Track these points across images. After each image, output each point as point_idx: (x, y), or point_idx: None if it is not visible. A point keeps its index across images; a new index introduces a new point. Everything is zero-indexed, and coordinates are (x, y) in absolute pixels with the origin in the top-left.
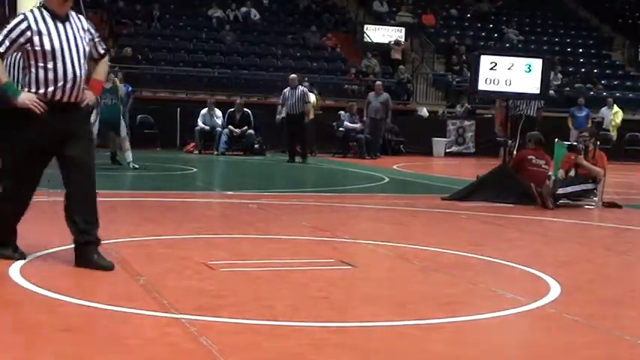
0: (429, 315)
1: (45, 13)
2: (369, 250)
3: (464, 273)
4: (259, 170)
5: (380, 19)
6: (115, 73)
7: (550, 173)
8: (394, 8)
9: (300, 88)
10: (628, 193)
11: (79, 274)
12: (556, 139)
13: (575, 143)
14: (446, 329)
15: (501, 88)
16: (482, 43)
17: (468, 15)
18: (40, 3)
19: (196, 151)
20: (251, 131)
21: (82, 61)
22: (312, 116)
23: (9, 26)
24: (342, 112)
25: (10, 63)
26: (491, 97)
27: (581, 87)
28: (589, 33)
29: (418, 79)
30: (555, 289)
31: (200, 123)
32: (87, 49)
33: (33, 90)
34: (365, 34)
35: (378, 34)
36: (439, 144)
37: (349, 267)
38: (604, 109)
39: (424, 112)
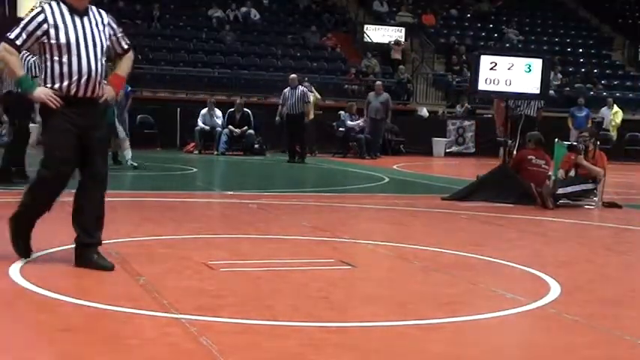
0: (429, 315)
1: (63, 6)
2: (369, 250)
3: (464, 273)
4: (259, 170)
5: (380, 19)
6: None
7: (550, 173)
8: (394, 8)
9: (301, 88)
10: (628, 193)
11: (79, 274)
12: (556, 139)
13: (575, 143)
14: (446, 329)
15: (501, 88)
16: (482, 43)
17: (468, 15)
18: None
19: (196, 151)
20: (251, 131)
21: (98, 55)
22: (312, 116)
23: (26, 19)
24: (342, 112)
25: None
26: (491, 97)
27: (581, 87)
28: (589, 33)
29: (418, 79)
30: (555, 289)
31: (200, 123)
32: (105, 44)
33: (48, 85)
34: (365, 34)
35: (378, 34)
36: (439, 144)
37: (349, 267)
38: (604, 109)
39: (424, 112)
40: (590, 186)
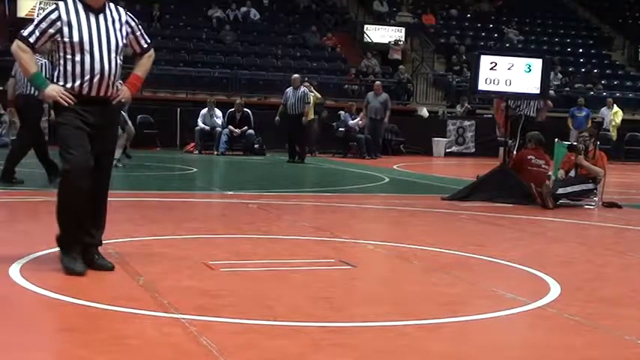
0: (429, 315)
1: (78, 4)
2: (369, 250)
3: (464, 273)
4: (259, 170)
5: (380, 19)
6: None
7: (550, 173)
8: (394, 8)
9: (302, 88)
10: (628, 193)
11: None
12: (556, 139)
13: (575, 143)
14: (446, 329)
15: (501, 88)
16: (482, 43)
17: (468, 15)
18: None
19: (196, 151)
20: (251, 131)
21: (112, 55)
22: (311, 116)
23: (40, 16)
24: (342, 112)
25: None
26: (491, 97)
27: (581, 87)
28: (589, 33)
29: (418, 79)
30: (555, 289)
31: (200, 123)
32: (121, 43)
33: (61, 83)
34: (365, 34)
35: (378, 34)
36: (439, 144)
37: (349, 267)
38: (604, 109)
39: (424, 112)
40: (590, 186)
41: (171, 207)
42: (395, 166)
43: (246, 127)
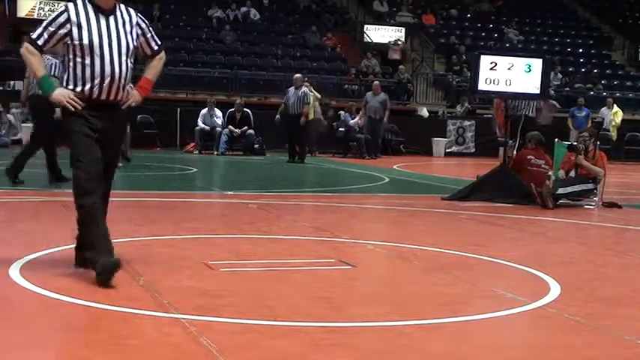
0: (429, 315)
1: (88, 5)
2: (369, 250)
3: (464, 273)
4: (259, 170)
5: (380, 19)
6: None
7: (550, 173)
8: (394, 8)
9: (303, 88)
10: (628, 193)
11: (79, 274)
12: (556, 139)
13: (575, 143)
14: (446, 329)
15: (501, 88)
16: (482, 43)
17: (468, 15)
18: None
19: (196, 151)
20: (251, 131)
21: (123, 57)
22: (311, 116)
23: (49, 18)
24: (342, 112)
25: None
26: (491, 97)
27: (581, 87)
28: (589, 33)
29: (418, 79)
30: (555, 289)
31: (200, 123)
32: (132, 45)
33: (70, 86)
34: (365, 34)
35: (378, 34)
36: (439, 144)
37: (349, 267)
38: (604, 109)
39: (424, 112)
40: (590, 186)
41: (171, 207)
42: (395, 166)
43: (246, 127)
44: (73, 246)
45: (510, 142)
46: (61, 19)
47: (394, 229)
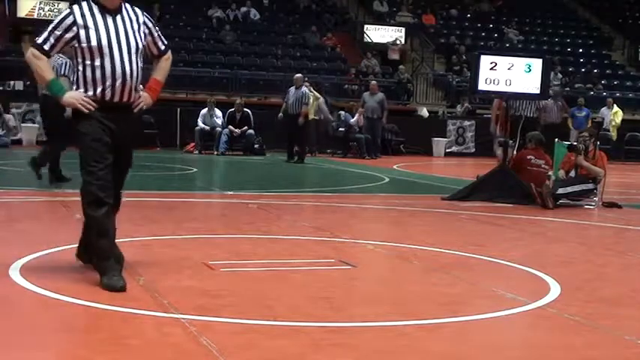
0: (429, 315)
1: (93, 6)
2: (369, 250)
3: (464, 273)
4: (259, 170)
5: (380, 19)
6: None
7: (550, 173)
8: (394, 8)
9: (303, 88)
10: (628, 193)
11: (79, 274)
12: (556, 139)
13: (575, 143)
14: (446, 329)
15: (501, 88)
16: (482, 43)
17: (468, 15)
18: None
19: (196, 151)
20: (251, 131)
21: (133, 57)
22: (312, 116)
23: (54, 22)
24: (342, 112)
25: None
26: (491, 96)
27: (581, 87)
28: (589, 33)
29: (418, 79)
30: (555, 289)
31: (200, 123)
32: (141, 44)
33: (81, 90)
34: (365, 34)
35: (378, 34)
36: (439, 144)
37: (349, 267)
38: (604, 109)
39: (424, 112)
40: (590, 186)
41: (171, 207)
42: (395, 166)
43: (246, 127)
44: (75, 245)
45: (510, 142)
46: (67, 21)
47: (394, 229)
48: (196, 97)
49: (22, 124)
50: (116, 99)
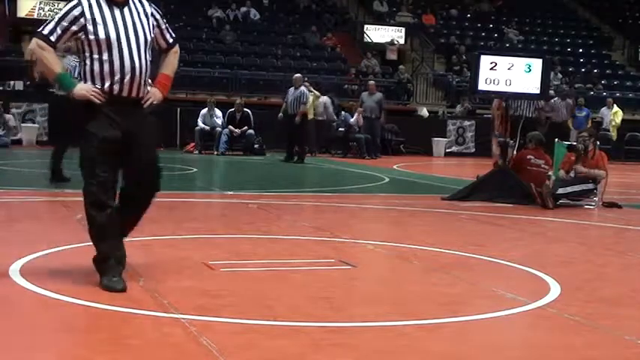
0: (429, 315)
1: None
2: (369, 250)
3: (464, 273)
4: (259, 170)
5: (380, 19)
6: None
7: (550, 173)
8: (394, 8)
9: (301, 88)
10: (628, 193)
11: (80, 274)
12: (556, 139)
13: (574, 143)
14: (446, 329)
15: (501, 88)
16: (482, 43)
17: (468, 15)
18: None
19: (196, 151)
20: (251, 131)
21: (141, 50)
22: (311, 116)
23: (61, 13)
24: (342, 112)
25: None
26: (491, 96)
27: (581, 87)
28: (589, 33)
29: (418, 79)
30: (555, 289)
31: (200, 123)
32: (149, 37)
33: (89, 84)
34: (365, 34)
35: (378, 34)
36: (439, 144)
37: (349, 267)
38: (604, 109)
39: (424, 112)
40: (590, 186)
41: (171, 207)
42: (395, 166)
43: (246, 127)
44: (75, 246)
45: (511, 142)
46: (75, 12)
47: (394, 229)
48: (196, 97)
49: (22, 124)
50: (124, 94)
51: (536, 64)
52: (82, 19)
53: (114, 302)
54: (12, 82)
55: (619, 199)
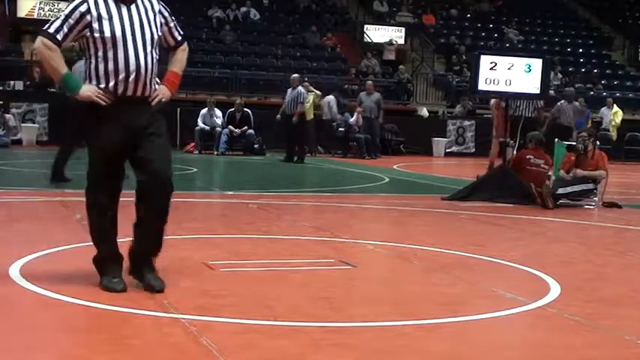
0: (429, 315)
1: None
2: (369, 250)
3: (464, 273)
4: (259, 170)
5: (380, 19)
6: None
7: (550, 173)
8: (394, 8)
9: (298, 88)
10: (628, 193)
11: (79, 274)
12: (556, 139)
13: (574, 143)
14: (446, 329)
15: (501, 88)
16: (482, 43)
17: (468, 15)
18: None
19: (196, 151)
20: (251, 131)
21: (148, 49)
22: (311, 116)
23: (67, 10)
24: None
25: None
26: (491, 96)
27: (581, 87)
28: (589, 33)
29: (418, 79)
30: (555, 289)
31: (200, 123)
32: (156, 35)
33: (93, 84)
34: (365, 34)
35: (378, 34)
36: (439, 144)
37: (349, 267)
38: (604, 109)
39: (424, 112)
40: (590, 186)
41: (171, 207)
42: (395, 166)
43: (246, 127)
44: (74, 246)
45: (511, 142)
46: (81, 8)
47: (394, 229)
48: (196, 97)
49: (22, 124)
50: (129, 92)
51: (536, 64)
52: (88, 16)
53: (114, 302)
54: (12, 82)
55: (619, 199)
